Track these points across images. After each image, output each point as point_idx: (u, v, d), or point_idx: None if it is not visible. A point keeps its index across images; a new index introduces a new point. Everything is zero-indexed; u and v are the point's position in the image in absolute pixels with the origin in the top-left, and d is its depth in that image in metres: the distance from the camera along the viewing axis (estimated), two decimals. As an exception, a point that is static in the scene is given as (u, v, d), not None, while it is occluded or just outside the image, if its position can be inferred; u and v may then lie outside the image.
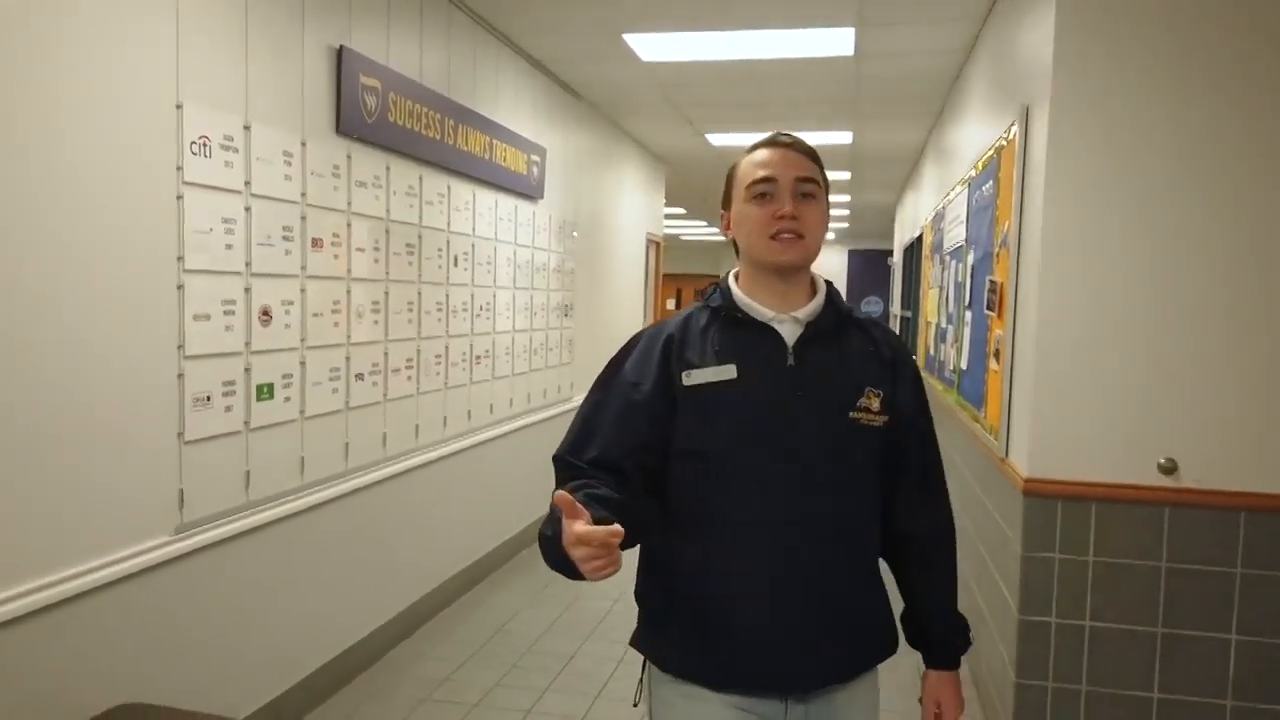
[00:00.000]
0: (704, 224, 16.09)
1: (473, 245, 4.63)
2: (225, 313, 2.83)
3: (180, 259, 2.64)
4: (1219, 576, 2.79)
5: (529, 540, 5.52)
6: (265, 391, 3.03)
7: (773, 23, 4.52)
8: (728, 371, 1.53)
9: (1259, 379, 2.76)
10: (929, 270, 6.51)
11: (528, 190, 5.30)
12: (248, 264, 2.92)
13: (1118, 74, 2.80)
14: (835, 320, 1.59)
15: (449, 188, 4.34)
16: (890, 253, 13.71)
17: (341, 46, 3.38)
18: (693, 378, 1.53)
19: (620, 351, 1.64)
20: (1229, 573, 2.79)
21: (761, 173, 1.55)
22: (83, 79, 2.30)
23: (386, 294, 3.79)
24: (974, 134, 4.57)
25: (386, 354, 3.81)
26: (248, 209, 2.92)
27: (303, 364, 3.23)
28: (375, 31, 3.65)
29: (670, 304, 20.80)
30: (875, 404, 1.55)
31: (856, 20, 4.43)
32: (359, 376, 3.61)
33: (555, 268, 5.91)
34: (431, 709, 3.42)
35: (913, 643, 1.71)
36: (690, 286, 21.61)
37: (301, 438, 3.25)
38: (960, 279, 4.62)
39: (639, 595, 1.64)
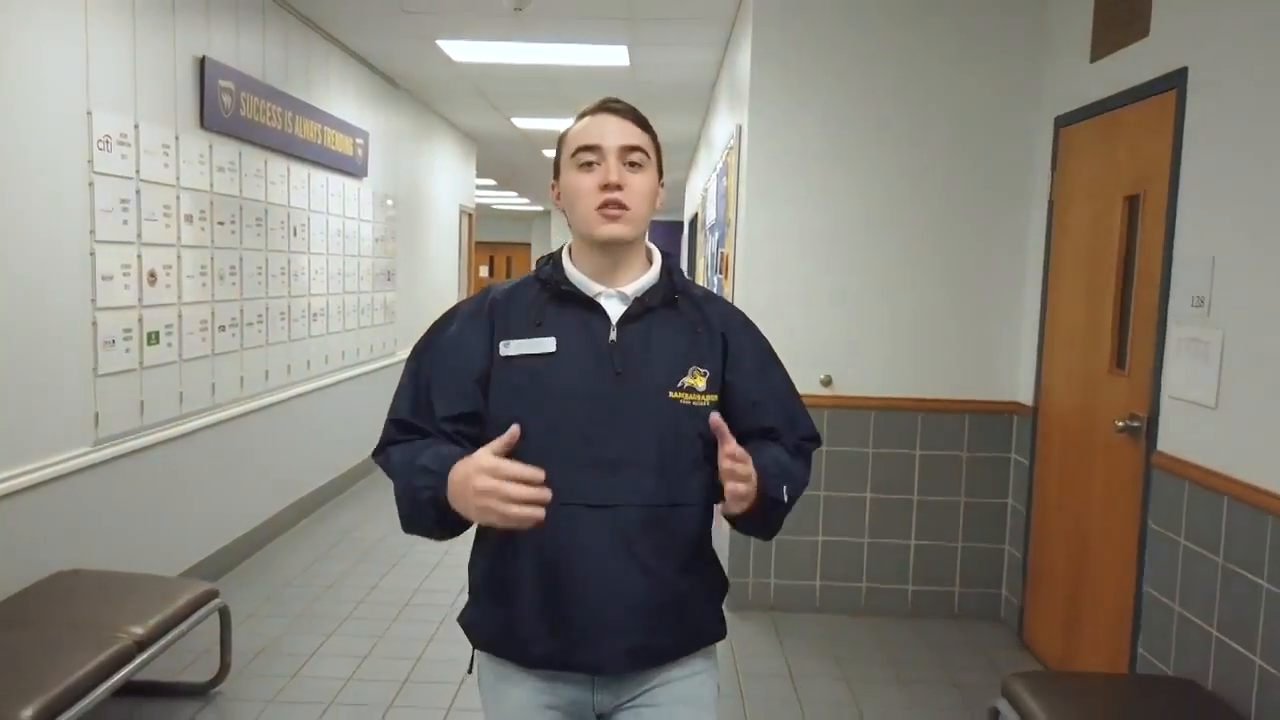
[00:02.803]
0: (514, 194, 16.96)
1: (308, 218, 5.42)
2: (124, 274, 3.59)
3: (92, 232, 3.39)
4: (859, 455, 4.12)
5: (365, 471, 6.41)
6: (154, 338, 3.80)
7: (560, 39, 5.54)
8: (547, 344, 1.46)
9: (885, 322, 4.08)
10: (700, 242, 7.78)
11: (353, 169, 6.10)
12: (139, 235, 3.68)
13: (794, 100, 4.02)
14: (665, 295, 1.52)
15: (288, 169, 5.11)
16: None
17: (204, 56, 4.13)
18: (511, 348, 1.47)
19: (444, 315, 1.58)
20: (864, 452, 4.12)
21: (586, 140, 1.47)
22: (18, 93, 3.03)
23: (241, 260, 4.57)
24: (720, 134, 5.79)
25: (242, 310, 4.59)
26: (138, 192, 3.66)
27: (180, 317, 4.00)
28: (228, 40, 4.39)
29: (484, 270, 21.53)
30: (700, 382, 1.48)
31: (628, 41, 5.53)
32: (221, 328, 4.39)
33: (378, 237, 6.73)
34: (295, 591, 4.30)
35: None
36: (503, 254, 22.40)
37: (180, 376, 4.02)
38: (713, 250, 5.86)
39: (469, 568, 1.59)
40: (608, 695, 1.52)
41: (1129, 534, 3.07)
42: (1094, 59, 3.46)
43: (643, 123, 1.52)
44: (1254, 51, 2.57)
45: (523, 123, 8.69)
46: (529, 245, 22.34)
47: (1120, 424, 3.11)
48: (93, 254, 3.40)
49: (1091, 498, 3.38)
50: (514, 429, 1.33)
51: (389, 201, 7.02)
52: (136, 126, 3.64)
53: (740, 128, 4.38)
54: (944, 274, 4.06)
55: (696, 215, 8.52)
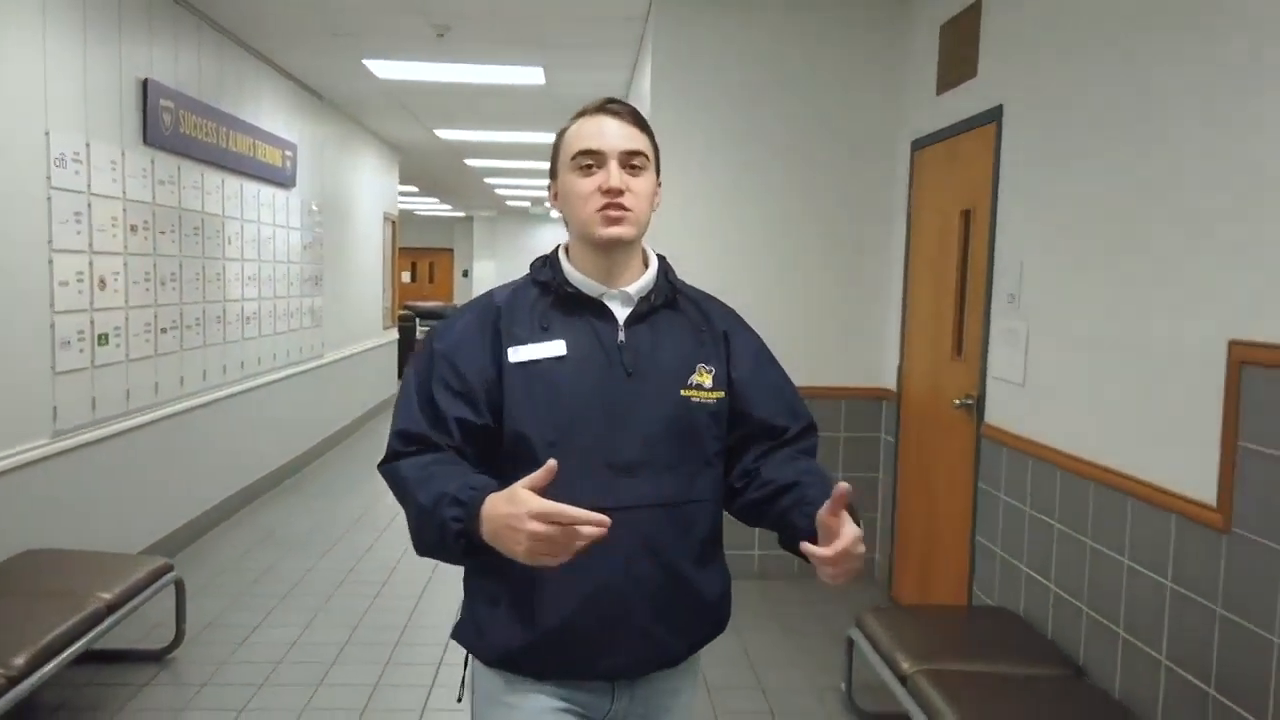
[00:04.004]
0: (435, 200, 17.24)
1: (241, 227, 5.74)
2: (78, 280, 3.91)
3: (50, 242, 3.71)
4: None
5: (294, 469, 6.74)
6: (104, 339, 4.12)
7: (480, 60, 5.98)
8: (557, 348, 1.45)
9: (773, 321, 4.62)
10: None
11: (283, 180, 6.43)
12: (90, 245, 4.00)
13: (690, 122, 4.54)
14: (667, 295, 1.53)
15: (223, 181, 5.44)
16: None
17: (147, 79, 4.46)
18: (520, 354, 1.45)
19: (444, 323, 1.54)
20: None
21: (587, 144, 1.46)
22: (-11, 118, 3.36)
23: (180, 267, 4.89)
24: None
25: (181, 314, 4.91)
26: (89, 205, 3.99)
27: (127, 320, 4.32)
28: (168, 62, 4.72)
29: (405, 276, 21.68)
30: (707, 380, 1.49)
31: (543, 63, 6.00)
32: (163, 330, 4.71)
33: (305, 244, 7.05)
34: (234, 575, 4.65)
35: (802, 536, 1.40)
36: (425, 260, 22.59)
37: (127, 375, 4.34)
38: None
39: (466, 581, 1.55)
40: (624, 703, 1.51)
41: (965, 494, 3.66)
42: (939, 92, 4.06)
43: (642, 124, 1.51)
44: (1053, 94, 3.17)
45: (445, 134, 9.07)
46: (451, 251, 22.58)
47: (958, 402, 3.70)
48: (50, 262, 3.72)
49: (939, 466, 3.97)
50: (551, 464, 1.25)
51: (315, 209, 7.34)
52: (88, 145, 3.97)
53: (643, 147, 4.89)
54: (824, 278, 4.63)
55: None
